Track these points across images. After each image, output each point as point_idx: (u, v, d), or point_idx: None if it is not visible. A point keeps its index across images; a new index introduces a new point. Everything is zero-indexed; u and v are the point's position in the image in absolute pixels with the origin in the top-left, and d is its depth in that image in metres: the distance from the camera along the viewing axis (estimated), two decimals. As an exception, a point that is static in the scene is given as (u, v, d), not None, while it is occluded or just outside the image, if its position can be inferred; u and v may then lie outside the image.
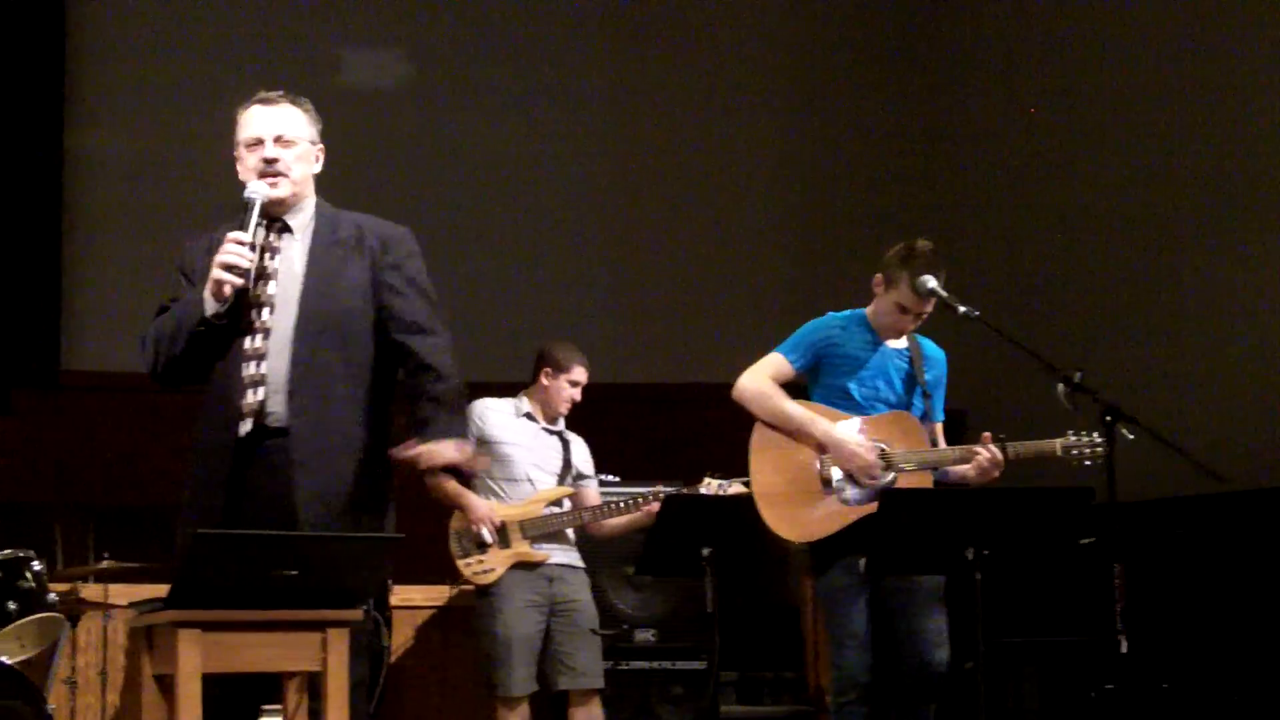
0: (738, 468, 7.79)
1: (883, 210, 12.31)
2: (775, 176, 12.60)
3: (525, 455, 8.30)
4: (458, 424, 5.73)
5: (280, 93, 5.76)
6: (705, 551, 7.41)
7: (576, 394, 8.36)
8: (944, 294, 6.65)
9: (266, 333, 5.45)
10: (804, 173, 12.57)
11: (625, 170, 12.68)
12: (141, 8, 12.10)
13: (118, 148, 11.91)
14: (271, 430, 5.49)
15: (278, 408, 5.48)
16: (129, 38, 11.98)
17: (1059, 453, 6.55)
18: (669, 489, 8.21)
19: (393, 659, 8.93)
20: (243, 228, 5.43)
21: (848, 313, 6.95)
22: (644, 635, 9.29)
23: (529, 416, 8.36)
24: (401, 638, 9.27)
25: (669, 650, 9.37)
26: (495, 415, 8.35)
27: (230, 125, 5.80)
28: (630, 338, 12.04)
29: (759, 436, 6.85)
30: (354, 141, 12.19)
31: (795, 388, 6.97)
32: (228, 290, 5.41)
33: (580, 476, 8.48)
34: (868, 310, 6.89)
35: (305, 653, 5.05)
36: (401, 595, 9.23)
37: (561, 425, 8.46)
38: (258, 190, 5.53)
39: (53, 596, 7.60)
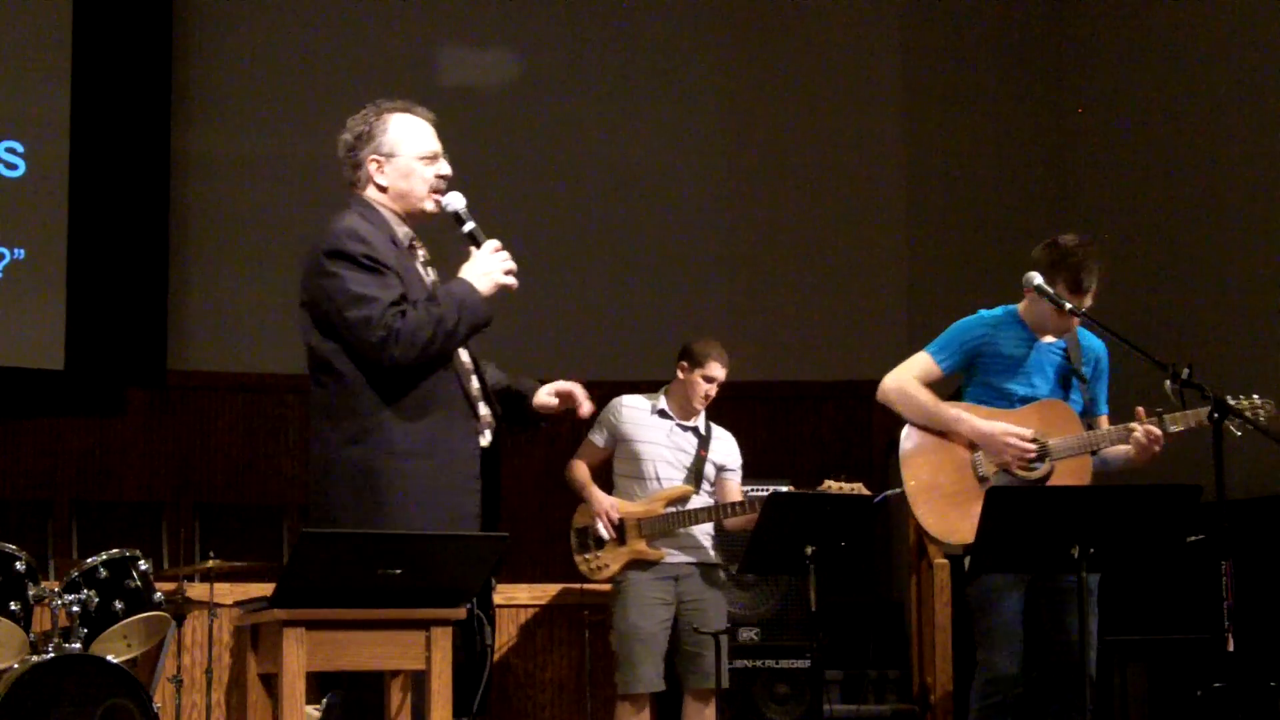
0: (858, 468, 7.78)
1: (1001, 208, 12.26)
2: (898, 174, 12.51)
3: (656, 453, 8.23)
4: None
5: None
6: (808, 550, 7.38)
7: (712, 390, 8.23)
8: (1050, 291, 6.58)
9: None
10: (926, 171, 12.49)
11: (742, 168, 12.65)
12: (247, 9, 12.19)
13: (224, 148, 12.02)
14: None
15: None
16: (235, 39, 12.08)
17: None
18: (787, 489, 8.12)
19: (496, 658, 8.95)
20: (482, 236, 5.63)
21: (999, 310, 6.84)
22: (748, 634, 9.28)
23: (663, 413, 8.29)
24: (505, 636, 9.28)
25: (773, 649, 9.35)
26: (629, 412, 8.31)
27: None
28: (754, 336, 12.01)
29: (910, 437, 6.73)
30: (458, 143, 12.25)
31: (944, 387, 6.89)
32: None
33: (722, 470, 8.36)
34: (1019, 307, 6.78)
35: (409, 651, 5.08)
36: (505, 594, 9.25)
37: (700, 421, 8.33)
38: (459, 200, 5.69)
39: (159, 595, 7.69)
